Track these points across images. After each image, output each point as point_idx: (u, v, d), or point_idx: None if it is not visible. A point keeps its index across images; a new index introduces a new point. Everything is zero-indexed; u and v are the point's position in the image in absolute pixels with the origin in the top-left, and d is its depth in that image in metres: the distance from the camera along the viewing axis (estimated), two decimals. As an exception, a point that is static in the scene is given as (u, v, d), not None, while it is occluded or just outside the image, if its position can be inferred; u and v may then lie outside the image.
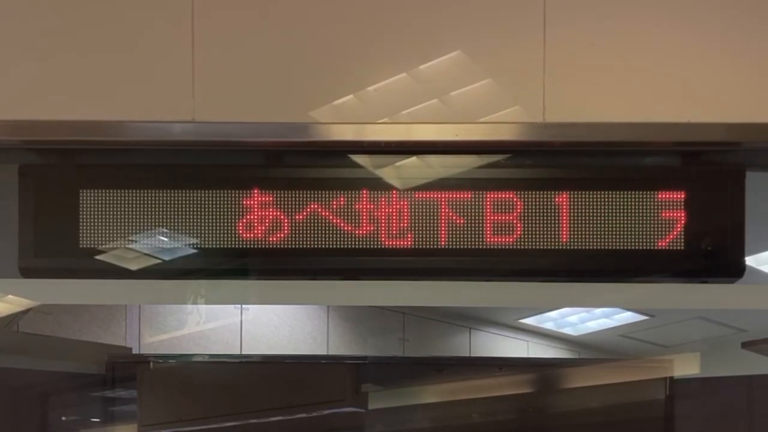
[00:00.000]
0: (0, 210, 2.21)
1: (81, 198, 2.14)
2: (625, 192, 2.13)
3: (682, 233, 2.13)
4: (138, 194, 2.14)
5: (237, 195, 2.14)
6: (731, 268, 2.17)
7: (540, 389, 3.11)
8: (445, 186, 2.15)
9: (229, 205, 2.14)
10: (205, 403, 3.05)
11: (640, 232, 2.14)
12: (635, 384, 2.91)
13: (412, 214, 2.15)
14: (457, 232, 2.15)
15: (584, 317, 5.13)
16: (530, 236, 2.15)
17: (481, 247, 2.16)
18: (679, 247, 2.13)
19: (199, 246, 2.16)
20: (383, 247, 2.15)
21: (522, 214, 2.15)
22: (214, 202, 2.14)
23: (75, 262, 2.17)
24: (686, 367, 2.86)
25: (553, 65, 2.11)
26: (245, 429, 3.02)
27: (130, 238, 2.16)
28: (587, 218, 2.14)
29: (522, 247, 2.15)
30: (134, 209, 2.14)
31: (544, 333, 5.41)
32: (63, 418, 3.24)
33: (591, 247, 2.14)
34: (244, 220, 2.14)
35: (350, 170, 2.17)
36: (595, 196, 2.13)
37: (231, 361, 3.44)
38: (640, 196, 2.13)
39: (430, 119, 2.16)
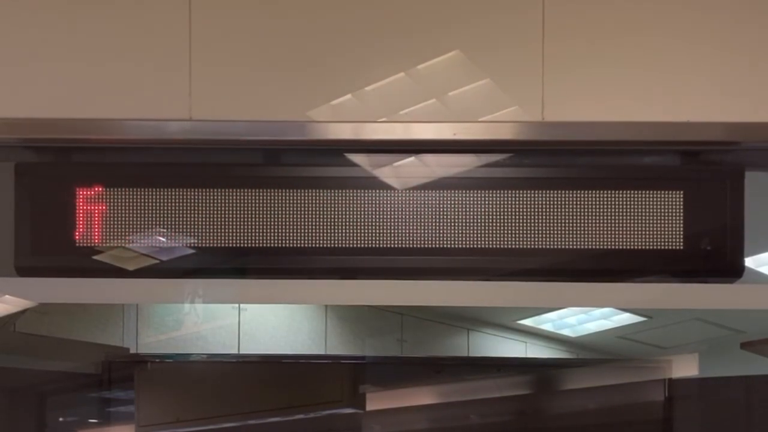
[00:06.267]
0: (-4, 209, 2.21)
1: (78, 196, 2.14)
2: (624, 191, 2.13)
3: (681, 233, 2.12)
4: (135, 192, 2.14)
5: (234, 193, 2.14)
6: (730, 268, 2.16)
7: (539, 390, 3.11)
8: (443, 185, 2.14)
9: (226, 204, 2.14)
10: (202, 404, 3.05)
11: (639, 232, 2.13)
12: (634, 385, 2.90)
13: (410, 213, 2.14)
14: (456, 232, 2.15)
15: (582, 318, 5.12)
16: (528, 236, 2.15)
17: (479, 246, 2.15)
18: (677, 247, 2.13)
19: (196, 245, 2.16)
20: (381, 246, 2.15)
21: (520, 214, 2.14)
22: (211, 201, 2.14)
23: (72, 261, 2.17)
24: (685, 368, 2.85)
25: (551, 64, 2.11)
26: (243, 429, 3.01)
27: (127, 237, 2.16)
28: (586, 218, 2.14)
29: (520, 246, 2.15)
30: (131, 208, 2.14)
31: (543, 334, 5.40)
32: (60, 419, 3.23)
33: (590, 247, 2.14)
34: (241, 219, 2.14)
35: (348, 169, 2.17)
36: (593, 195, 2.13)
37: (229, 361, 3.44)
38: (639, 195, 2.12)
39: (429, 119, 2.15)
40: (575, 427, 3.00)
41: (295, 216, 2.15)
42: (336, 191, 2.15)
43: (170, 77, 2.13)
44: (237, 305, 4.07)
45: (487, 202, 2.14)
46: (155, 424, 3.04)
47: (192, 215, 2.15)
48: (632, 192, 2.12)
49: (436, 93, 2.17)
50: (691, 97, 2.11)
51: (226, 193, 2.14)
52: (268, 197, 2.14)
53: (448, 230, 2.15)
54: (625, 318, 4.83)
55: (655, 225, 2.13)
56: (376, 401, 3.05)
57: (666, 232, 2.12)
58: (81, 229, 2.15)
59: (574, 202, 2.14)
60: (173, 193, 2.14)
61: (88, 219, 2.15)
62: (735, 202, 2.13)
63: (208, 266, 2.20)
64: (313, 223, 2.15)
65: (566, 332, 5.35)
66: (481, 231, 2.15)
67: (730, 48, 2.12)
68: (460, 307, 4.50)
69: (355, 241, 2.15)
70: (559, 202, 2.14)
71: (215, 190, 2.14)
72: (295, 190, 2.14)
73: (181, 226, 2.15)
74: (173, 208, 2.14)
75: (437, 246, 2.16)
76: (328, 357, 4.28)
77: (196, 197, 2.14)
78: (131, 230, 2.15)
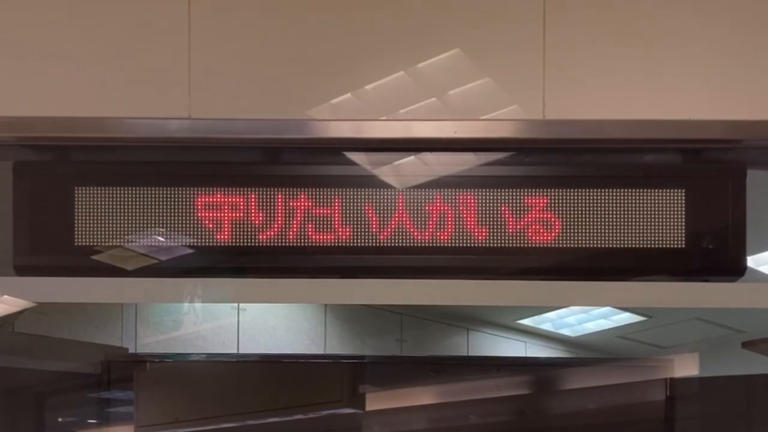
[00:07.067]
0: (-5, 208, 2.20)
1: (76, 195, 2.13)
2: (625, 190, 2.12)
3: (683, 231, 2.12)
4: (134, 191, 2.13)
5: (233, 192, 2.13)
6: (732, 267, 2.15)
7: (539, 390, 3.10)
8: (444, 183, 2.14)
9: (226, 203, 2.13)
10: (202, 404, 3.04)
11: (640, 231, 2.13)
12: (636, 384, 2.89)
13: (410, 211, 2.14)
14: (456, 231, 2.14)
15: (582, 318, 5.13)
16: (528, 234, 2.14)
17: (479, 245, 2.14)
18: (679, 246, 2.12)
19: (195, 244, 2.15)
20: (381, 245, 2.14)
21: (520, 212, 2.14)
22: (210, 200, 2.13)
23: (70, 261, 2.16)
24: (686, 367, 2.85)
25: (552, 62, 2.11)
26: (242, 430, 3.01)
27: (125, 236, 2.15)
28: (587, 216, 2.13)
29: (520, 245, 2.14)
30: (130, 207, 2.13)
31: (542, 334, 5.41)
32: (59, 419, 3.23)
33: (591, 246, 2.13)
34: (241, 218, 2.13)
35: (348, 167, 2.16)
36: (594, 193, 2.12)
37: (228, 361, 3.43)
38: (640, 193, 2.12)
39: (429, 117, 2.14)
40: (576, 427, 2.99)
41: (295, 215, 2.14)
42: (336, 190, 2.14)
43: (169, 75, 2.12)
44: (236, 305, 4.07)
45: (487, 201, 2.14)
46: (154, 425, 3.04)
47: (191, 214, 2.14)
48: (634, 190, 2.12)
49: (436, 91, 2.16)
50: (693, 95, 2.11)
51: (226, 192, 2.13)
52: (268, 196, 2.14)
53: (448, 229, 2.14)
54: (625, 317, 4.83)
55: (656, 223, 2.12)
56: (376, 401, 3.05)
57: (668, 231, 2.12)
58: (80, 228, 2.14)
59: (575, 201, 2.13)
60: (172, 192, 2.14)
61: (87, 218, 2.14)
62: (737, 201, 2.13)
63: (207, 265, 2.19)
64: (313, 222, 2.14)
65: (566, 332, 5.35)
66: (482, 230, 2.14)
67: (731, 46, 2.11)
68: (459, 307, 4.50)
69: (355, 240, 2.15)
70: (560, 201, 2.13)
71: (215, 188, 2.13)
72: (295, 189, 2.14)
73: (180, 225, 2.14)
74: (172, 206, 2.14)
75: (437, 245, 2.15)
76: (328, 357, 4.28)
77: (196, 196, 2.14)
78: (130, 229, 2.15)
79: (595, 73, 2.11)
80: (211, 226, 2.14)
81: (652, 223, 2.13)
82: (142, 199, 2.14)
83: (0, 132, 2.13)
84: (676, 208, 2.12)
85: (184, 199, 2.13)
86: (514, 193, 2.13)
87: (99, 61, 2.13)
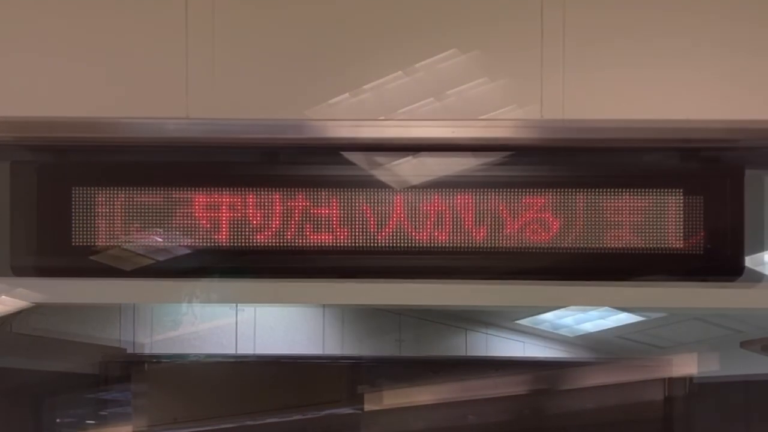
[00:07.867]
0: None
1: (74, 196, 2.13)
2: (624, 190, 2.12)
3: (681, 232, 2.12)
4: (131, 192, 2.13)
5: (231, 193, 2.13)
6: (730, 267, 2.15)
7: (537, 390, 3.10)
8: (441, 184, 2.13)
9: (223, 203, 2.13)
10: (200, 404, 3.04)
11: (639, 231, 2.12)
12: (634, 384, 2.90)
13: (408, 212, 2.13)
14: (453, 231, 2.14)
15: (580, 318, 5.12)
16: (527, 235, 2.14)
17: (478, 246, 2.14)
18: (678, 246, 2.12)
19: (193, 245, 2.15)
20: (380, 246, 2.14)
21: (518, 213, 2.13)
22: (208, 200, 2.13)
23: (68, 261, 2.16)
24: (684, 367, 2.85)
25: (551, 63, 2.10)
26: (241, 430, 3.01)
27: (123, 237, 2.15)
28: (585, 217, 2.13)
29: (519, 246, 2.14)
30: (128, 207, 2.13)
31: (540, 334, 5.41)
32: (57, 420, 3.23)
33: (589, 247, 2.13)
34: (239, 219, 2.13)
35: (345, 168, 2.16)
36: (593, 194, 2.12)
37: (226, 362, 3.43)
38: (639, 194, 2.12)
39: (427, 117, 2.14)
40: (575, 426, 2.99)
41: (292, 215, 2.14)
42: (334, 190, 2.14)
43: (167, 76, 2.12)
44: (234, 305, 4.07)
45: (485, 202, 2.14)
46: (153, 425, 3.04)
47: (189, 215, 2.14)
48: (632, 191, 2.12)
49: (434, 92, 2.16)
50: (692, 95, 2.11)
51: (224, 192, 2.13)
52: (266, 196, 2.13)
53: (446, 230, 2.14)
54: (623, 317, 4.83)
55: (655, 224, 2.12)
56: (375, 401, 3.05)
57: (666, 231, 2.12)
58: (77, 229, 2.14)
59: (573, 202, 2.13)
60: (170, 193, 2.13)
61: (85, 218, 2.14)
62: (735, 201, 2.13)
63: (205, 266, 2.19)
64: (311, 223, 2.14)
65: (564, 332, 5.35)
66: (480, 231, 2.14)
67: (731, 46, 2.11)
68: (457, 307, 4.50)
69: (353, 241, 2.14)
70: (558, 201, 2.13)
71: (212, 189, 2.13)
72: (292, 189, 2.13)
73: (178, 226, 2.14)
74: (170, 207, 2.14)
75: (436, 246, 2.15)
76: (326, 357, 4.28)
77: (193, 196, 2.13)
78: (128, 230, 2.14)
79: (594, 74, 2.11)
80: (209, 226, 2.14)
81: (651, 224, 2.12)
82: (139, 200, 2.13)
83: (-3, 132, 2.13)
84: (674, 209, 2.12)
85: (181, 200, 2.13)
86: (512, 194, 2.13)
87: (96, 62, 2.13)
